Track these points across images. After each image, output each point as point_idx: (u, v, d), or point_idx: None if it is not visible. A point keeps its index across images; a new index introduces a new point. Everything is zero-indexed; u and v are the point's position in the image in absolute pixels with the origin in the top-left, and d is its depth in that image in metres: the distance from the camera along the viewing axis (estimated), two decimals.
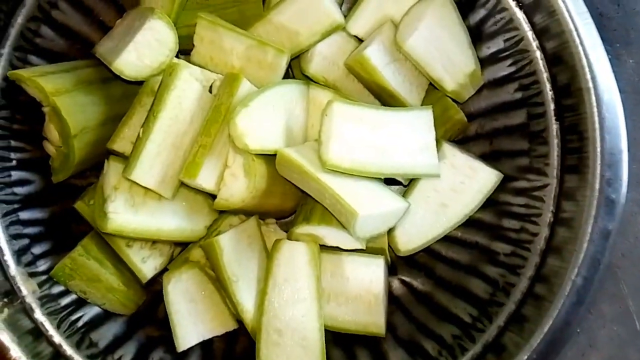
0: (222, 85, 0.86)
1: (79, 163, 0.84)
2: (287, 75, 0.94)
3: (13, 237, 0.83)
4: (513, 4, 0.91)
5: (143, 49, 0.83)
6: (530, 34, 0.90)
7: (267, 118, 0.85)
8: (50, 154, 0.87)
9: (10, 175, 0.85)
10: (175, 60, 0.87)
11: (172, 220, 0.85)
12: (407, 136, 0.88)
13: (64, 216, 0.92)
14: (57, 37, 0.89)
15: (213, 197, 0.86)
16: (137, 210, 0.83)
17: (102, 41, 0.91)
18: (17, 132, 0.86)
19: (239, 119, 0.80)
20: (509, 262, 0.91)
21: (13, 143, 0.86)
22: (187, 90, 0.84)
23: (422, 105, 0.98)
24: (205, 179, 0.83)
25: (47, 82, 0.80)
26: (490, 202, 0.96)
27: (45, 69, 0.84)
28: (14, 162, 0.86)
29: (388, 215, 0.84)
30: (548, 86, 0.89)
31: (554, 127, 0.88)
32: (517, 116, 0.95)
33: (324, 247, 0.90)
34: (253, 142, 0.81)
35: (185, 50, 0.93)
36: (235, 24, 0.93)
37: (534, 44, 0.90)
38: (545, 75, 0.90)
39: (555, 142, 0.88)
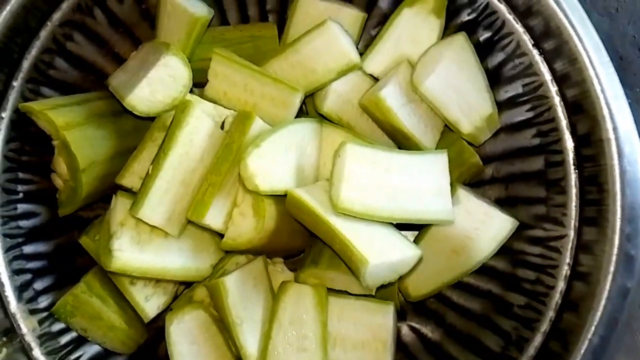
0: (234, 122, 0.86)
1: (86, 197, 0.83)
2: (300, 112, 0.93)
3: (15, 273, 0.82)
4: (533, 49, 0.90)
5: (156, 84, 0.83)
6: (550, 80, 0.89)
7: (279, 158, 0.84)
8: (57, 187, 0.86)
9: (16, 209, 0.84)
10: (189, 96, 0.87)
11: (178, 259, 0.84)
12: (421, 180, 0.87)
13: (68, 249, 0.91)
14: (70, 69, 0.89)
15: (220, 235, 0.85)
16: (142, 248, 0.82)
17: (115, 73, 0.91)
18: (25, 164, 0.86)
19: (250, 160, 0.79)
20: (523, 314, 0.89)
21: (21, 175, 0.85)
22: (199, 127, 0.83)
23: (437, 147, 0.97)
24: (213, 219, 0.82)
25: (57, 116, 0.79)
26: (505, 250, 0.94)
27: (56, 101, 0.84)
28: (21, 195, 0.85)
29: (399, 264, 0.83)
30: (567, 134, 0.88)
31: (573, 176, 0.87)
32: (534, 162, 0.93)
33: (332, 290, 0.89)
34: (263, 183, 0.80)
35: (199, 83, 0.93)
36: (250, 59, 0.93)
37: (554, 90, 0.89)
38: (564, 122, 0.88)
39: (573, 192, 0.87)
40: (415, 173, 0.87)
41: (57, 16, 0.83)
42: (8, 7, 0.76)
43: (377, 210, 0.83)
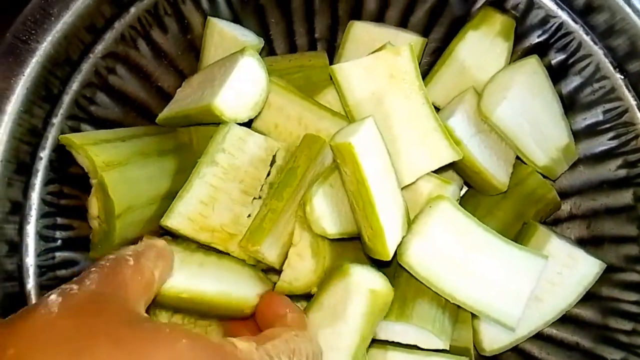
0: (300, 147, 0.83)
1: (119, 243, 0.79)
2: None
3: None
4: (615, 72, 0.86)
5: (239, 87, 0.81)
6: (635, 105, 0.85)
7: (344, 197, 0.80)
8: (92, 227, 0.83)
9: (54, 257, 0.81)
10: (239, 128, 0.84)
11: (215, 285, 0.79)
12: (503, 275, 0.81)
13: None
14: (112, 105, 0.87)
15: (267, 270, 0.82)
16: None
17: (170, 106, 0.90)
18: (64, 208, 0.83)
19: (316, 200, 0.76)
20: None
21: (59, 220, 0.82)
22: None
23: (510, 182, 0.91)
24: (269, 249, 0.77)
25: (98, 153, 0.76)
26: (592, 297, 0.88)
27: (99, 135, 0.81)
28: (59, 242, 0.82)
29: None
30: None
31: None
32: (621, 197, 0.88)
33: (399, 345, 0.83)
34: (331, 226, 0.77)
35: None
36: (301, 91, 0.90)
37: None
38: None
39: None
40: (502, 266, 0.81)
41: (99, 48, 0.82)
42: (49, 37, 0.74)
43: (439, 281, 0.79)
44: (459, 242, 0.80)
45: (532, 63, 0.90)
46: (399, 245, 0.79)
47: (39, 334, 0.47)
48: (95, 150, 0.77)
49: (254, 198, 0.82)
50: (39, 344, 0.45)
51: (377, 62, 0.83)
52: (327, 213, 0.76)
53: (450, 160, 0.83)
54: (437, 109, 0.95)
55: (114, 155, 0.78)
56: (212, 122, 0.85)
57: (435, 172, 0.86)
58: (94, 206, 0.80)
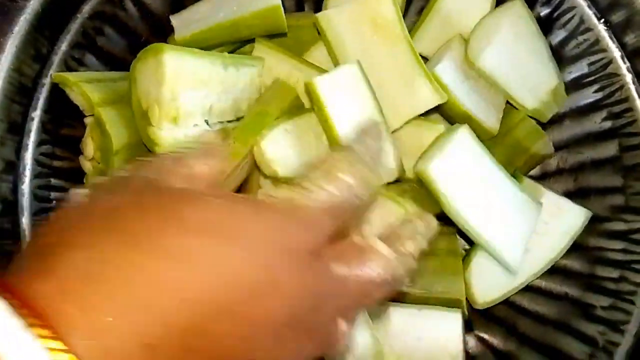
0: (271, 91, 0.84)
1: None
2: None
3: None
4: (599, 24, 0.87)
5: None
6: (620, 57, 0.87)
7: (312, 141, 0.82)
8: (85, 171, 0.84)
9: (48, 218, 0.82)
10: None
11: None
12: (506, 213, 0.84)
13: None
14: (102, 67, 0.88)
15: None
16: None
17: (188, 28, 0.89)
18: (57, 170, 0.84)
19: (265, 143, 0.77)
20: (608, 316, 0.85)
21: (53, 182, 0.83)
22: None
23: (500, 128, 0.93)
24: None
25: (94, 90, 0.77)
26: (580, 247, 0.90)
27: (93, 75, 0.82)
28: (54, 203, 0.83)
29: None
30: None
31: None
32: (606, 148, 0.90)
33: (392, 301, 0.85)
34: (284, 169, 0.78)
35: None
36: (290, 51, 0.91)
37: (625, 67, 0.86)
38: (639, 102, 0.85)
39: None
40: (508, 203, 0.84)
41: (86, 8, 0.82)
42: None
43: (452, 201, 0.80)
44: (475, 170, 0.83)
45: (517, 6, 0.91)
46: (420, 159, 0.82)
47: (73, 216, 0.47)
48: (90, 87, 0.78)
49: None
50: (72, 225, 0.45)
51: (360, 9, 0.85)
52: (279, 156, 0.77)
53: (436, 104, 0.85)
54: (426, 60, 0.95)
55: (108, 94, 0.79)
56: (251, 35, 0.88)
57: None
58: (89, 147, 0.81)
